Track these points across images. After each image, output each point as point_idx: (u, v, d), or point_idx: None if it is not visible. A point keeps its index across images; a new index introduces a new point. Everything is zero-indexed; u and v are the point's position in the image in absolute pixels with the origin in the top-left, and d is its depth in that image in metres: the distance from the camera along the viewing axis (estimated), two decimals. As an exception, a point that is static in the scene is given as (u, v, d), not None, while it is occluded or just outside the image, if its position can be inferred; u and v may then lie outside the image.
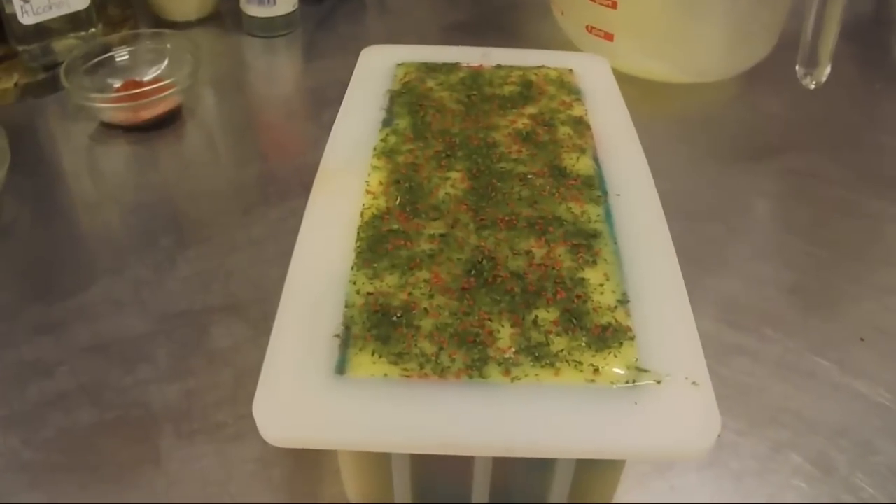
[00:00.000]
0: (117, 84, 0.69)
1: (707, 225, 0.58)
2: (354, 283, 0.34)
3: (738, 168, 0.66)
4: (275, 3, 0.79)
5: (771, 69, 0.74)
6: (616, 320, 0.33)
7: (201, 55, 0.69)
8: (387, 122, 0.46)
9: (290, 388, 0.29)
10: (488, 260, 0.35)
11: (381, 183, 0.41)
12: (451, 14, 0.87)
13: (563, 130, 0.45)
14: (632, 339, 0.32)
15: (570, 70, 0.52)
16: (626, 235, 0.38)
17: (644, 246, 0.37)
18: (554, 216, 0.38)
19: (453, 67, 0.51)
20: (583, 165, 0.42)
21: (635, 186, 0.41)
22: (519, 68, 0.51)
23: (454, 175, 0.41)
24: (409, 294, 0.33)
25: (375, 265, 0.35)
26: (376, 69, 0.51)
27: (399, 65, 0.52)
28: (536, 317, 0.32)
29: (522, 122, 0.45)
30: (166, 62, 0.72)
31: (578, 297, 0.34)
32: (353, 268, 0.35)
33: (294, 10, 0.81)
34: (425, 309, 0.33)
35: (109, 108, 0.65)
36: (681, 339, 0.33)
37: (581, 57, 0.54)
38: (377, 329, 0.32)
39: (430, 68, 0.51)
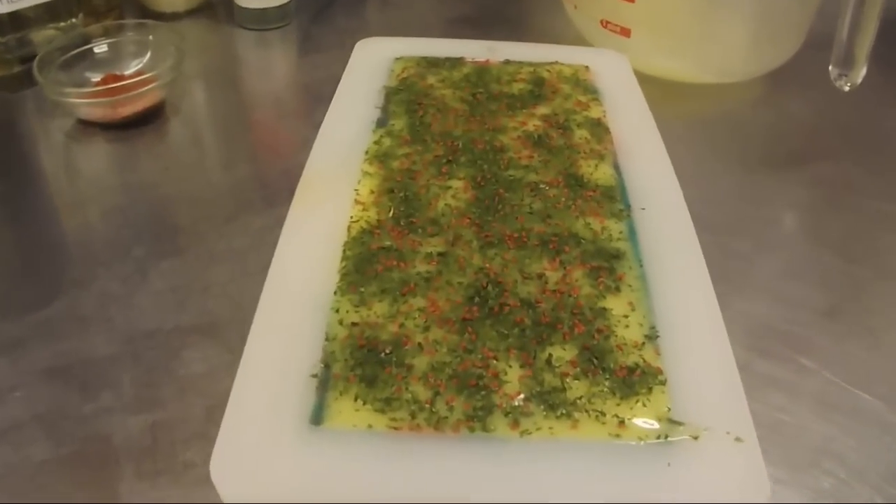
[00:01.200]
0: (96, 78, 0.64)
1: (732, 239, 0.53)
2: (337, 311, 0.29)
3: (765, 176, 0.61)
4: (268, -7, 0.73)
5: (798, 70, 0.69)
6: (644, 360, 0.28)
7: (186, 48, 0.64)
8: (381, 123, 0.41)
9: (256, 442, 0.25)
10: (494, 285, 0.30)
11: (372, 192, 0.36)
12: (457, 7, 0.82)
13: (580, 134, 0.40)
14: (663, 383, 0.27)
15: (587, 67, 0.47)
16: (653, 257, 0.33)
17: (674, 269, 0.32)
18: (570, 233, 0.33)
19: (457, 62, 0.46)
20: (602, 174, 0.37)
21: (661, 199, 0.36)
22: (529, 64, 0.46)
23: (456, 184, 0.36)
24: (401, 326, 0.29)
25: (362, 289, 0.30)
26: (372, 63, 0.46)
27: (397, 59, 0.47)
28: (550, 355, 0.28)
29: (534, 124, 0.41)
30: (149, 55, 0.67)
31: (599, 331, 0.29)
32: (336, 292, 0.30)
33: (289, 2, 0.76)
34: (419, 344, 0.28)
35: (86, 103, 0.60)
36: (720, 383, 0.28)
37: (598, 53, 0.50)
38: (362, 368, 0.27)
39: (432, 63, 0.46)
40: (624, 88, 0.45)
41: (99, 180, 0.58)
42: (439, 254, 0.32)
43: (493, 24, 0.79)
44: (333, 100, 0.42)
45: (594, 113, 0.42)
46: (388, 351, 0.27)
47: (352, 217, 0.34)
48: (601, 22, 0.68)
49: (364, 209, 0.35)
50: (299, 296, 0.30)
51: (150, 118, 0.64)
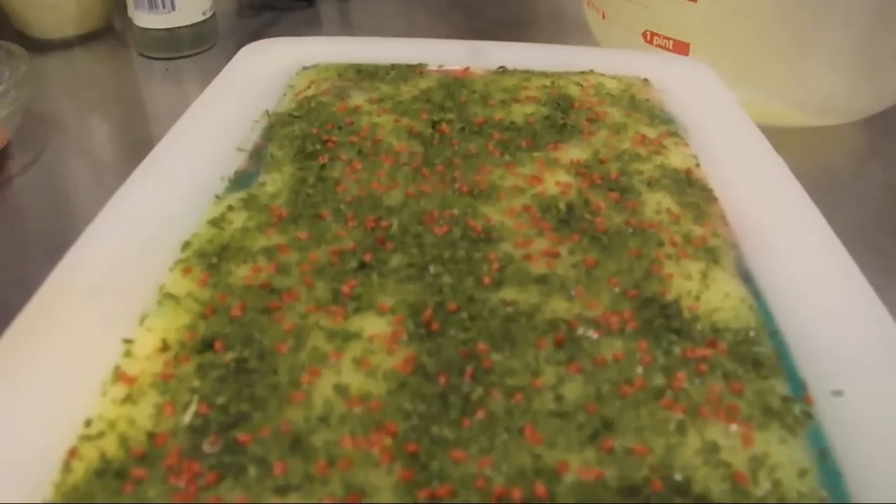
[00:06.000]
0: None
1: None
2: None
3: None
4: (174, 7, 0.53)
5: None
6: None
7: (67, 81, 0.44)
8: (241, 181, 0.20)
9: None
10: None
11: (164, 348, 0.14)
12: (441, 30, 0.62)
13: (655, 202, 0.19)
14: None
15: (645, 80, 0.26)
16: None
17: None
18: (671, 481, 0.12)
19: (408, 72, 0.25)
20: (720, 297, 0.16)
21: (875, 371, 0.15)
22: (543, 74, 0.26)
23: (372, 325, 0.15)
24: None
25: None
26: (258, 77, 0.26)
27: (305, 69, 0.26)
28: None
29: (557, 182, 0.19)
30: (-14, 83, 0.46)
31: None
32: None
33: (206, 20, 0.55)
34: None
35: None
36: None
37: (658, 59, 0.29)
38: None
39: (364, 74, 0.25)
40: (719, 116, 0.24)
41: None
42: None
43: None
44: (158, 145, 0.21)
45: (675, 159, 0.21)
46: None
47: (87, 426, 0.12)
48: (644, 35, 0.46)
49: (128, 400, 0.13)
50: None
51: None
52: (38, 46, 0.56)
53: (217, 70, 0.51)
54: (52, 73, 0.53)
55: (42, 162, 0.44)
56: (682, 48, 0.43)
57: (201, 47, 0.56)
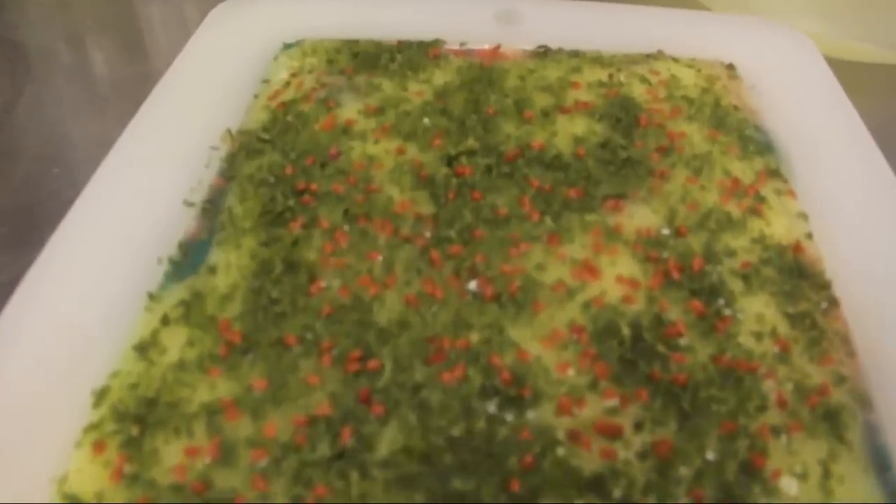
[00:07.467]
0: None
1: None
2: None
3: None
4: None
5: None
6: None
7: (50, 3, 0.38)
8: (184, 260, 0.15)
9: None
10: None
11: None
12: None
13: (754, 313, 0.13)
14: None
15: (730, 67, 0.20)
16: None
17: None
18: None
19: (419, 55, 0.19)
20: None
21: None
22: (598, 60, 0.19)
23: None
24: None
25: None
26: (225, 61, 0.20)
27: (287, 48, 0.20)
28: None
29: (617, 277, 0.14)
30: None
31: None
32: None
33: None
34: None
35: None
36: None
37: (742, 25, 0.22)
38: None
39: (362, 59, 0.19)
40: (829, 130, 0.18)
41: None
42: None
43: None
44: (78, 201, 0.16)
45: (780, 225, 0.15)
46: None
47: None
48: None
49: None
50: None
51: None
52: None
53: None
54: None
55: (17, 111, 0.38)
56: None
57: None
